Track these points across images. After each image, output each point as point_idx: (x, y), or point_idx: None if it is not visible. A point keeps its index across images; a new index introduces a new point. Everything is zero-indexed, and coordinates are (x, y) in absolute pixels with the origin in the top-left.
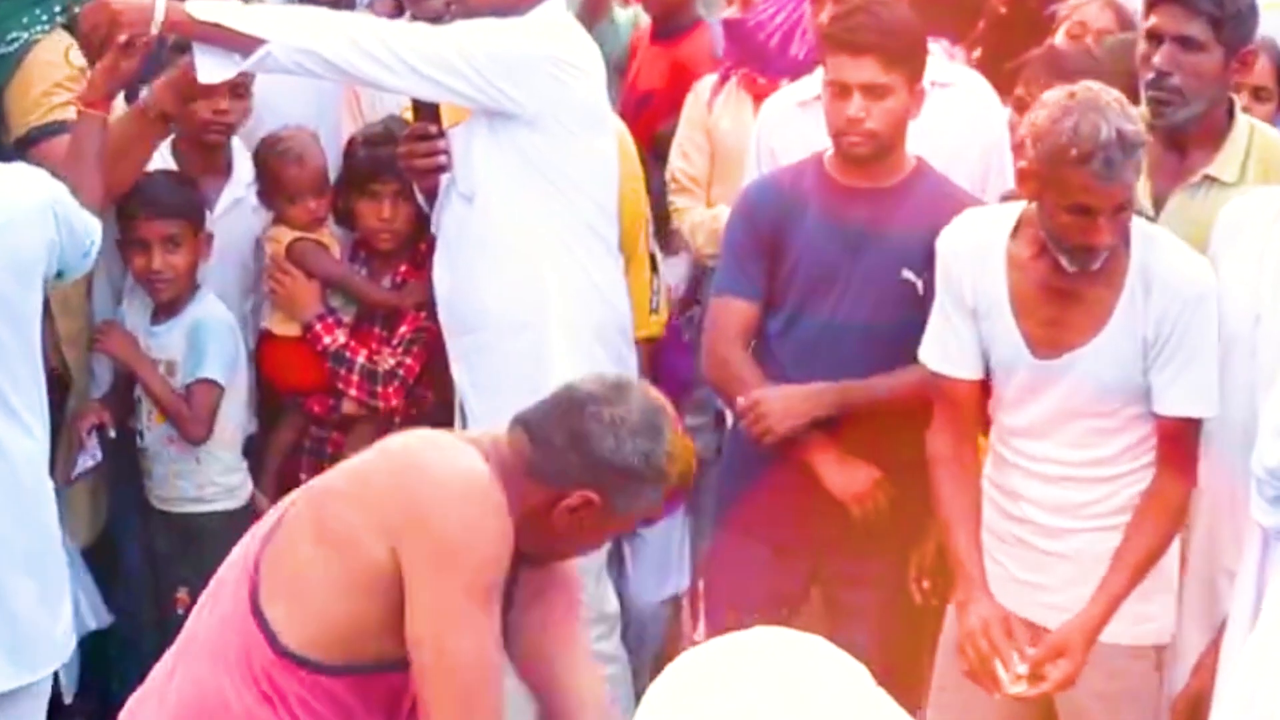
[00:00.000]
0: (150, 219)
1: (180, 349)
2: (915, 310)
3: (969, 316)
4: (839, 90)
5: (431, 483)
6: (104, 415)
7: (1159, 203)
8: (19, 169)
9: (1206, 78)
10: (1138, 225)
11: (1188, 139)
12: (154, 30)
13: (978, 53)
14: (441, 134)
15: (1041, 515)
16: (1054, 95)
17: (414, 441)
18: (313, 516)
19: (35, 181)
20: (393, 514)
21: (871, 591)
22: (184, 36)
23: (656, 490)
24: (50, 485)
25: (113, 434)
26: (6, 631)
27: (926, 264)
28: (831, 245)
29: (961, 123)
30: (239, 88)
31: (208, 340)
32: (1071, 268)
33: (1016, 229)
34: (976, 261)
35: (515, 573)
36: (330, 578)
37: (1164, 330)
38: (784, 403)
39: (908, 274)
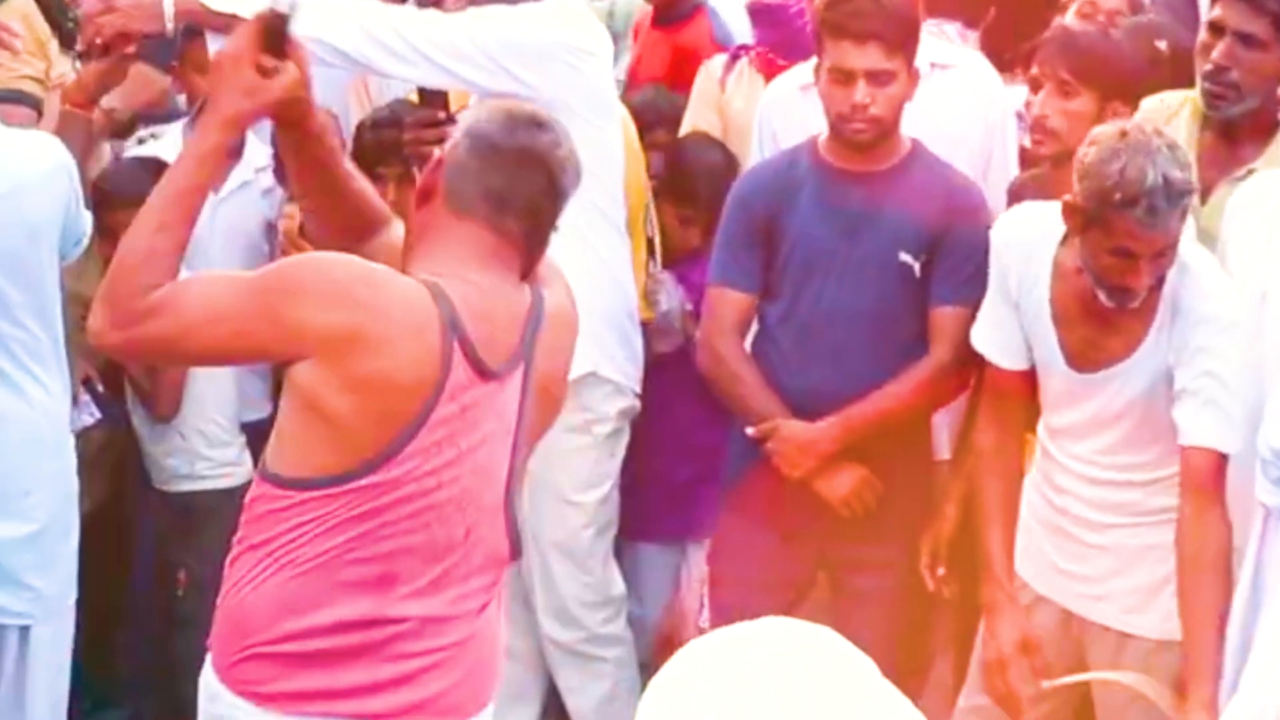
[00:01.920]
0: (114, 208)
1: None
2: (913, 293)
3: (1013, 309)
4: (842, 77)
5: None
6: (88, 369)
7: (1205, 192)
8: (35, 135)
9: (1264, 75)
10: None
11: (1239, 132)
12: (169, 25)
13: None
14: (451, 119)
15: (1083, 510)
16: (1106, 132)
17: (568, 352)
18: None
19: (51, 147)
20: None
21: (878, 576)
22: (198, 25)
23: None
24: (71, 440)
25: (100, 388)
26: (49, 561)
27: (923, 246)
28: (827, 230)
29: (963, 104)
30: None
31: None
32: (1109, 304)
33: (1066, 236)
34: (1023, 259)
35: None
36: None
37: (1184, 357)
38: (795, 446)
39: (905, 256)
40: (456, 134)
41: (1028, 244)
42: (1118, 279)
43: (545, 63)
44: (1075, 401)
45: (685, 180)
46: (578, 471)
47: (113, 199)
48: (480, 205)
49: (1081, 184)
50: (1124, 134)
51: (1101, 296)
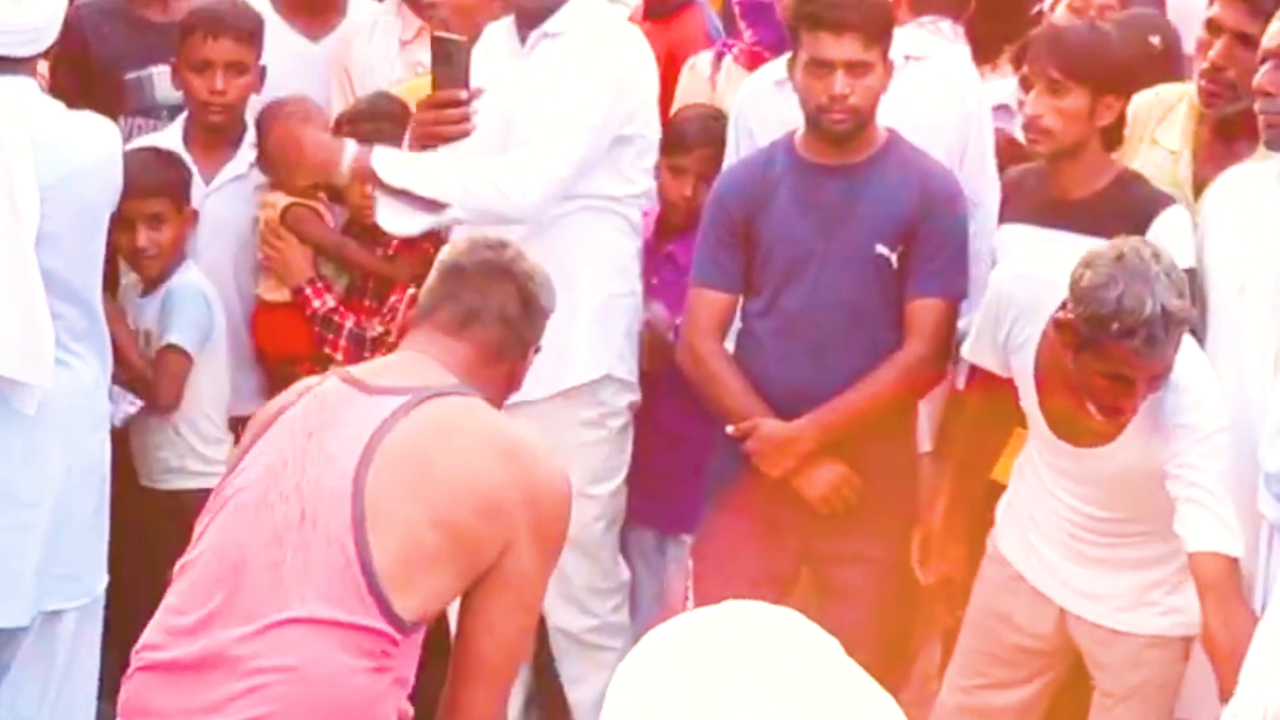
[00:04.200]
0: (133, 198)
1: (155, 319)
2: (891, 285)
3: (1001, 350)
4: (820, 69)
5: (547, 488)
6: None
7: (1199, 187)
8: (93, 118)
9: None
10: None
11: (1235, 129)
12: (340, 181)
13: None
14: (470, 98)
15: (1073, 529)
16: (1102, 254)
17: (495, 424)
18: (423, 500)
19: (107, 132)
20: (514, 519)
21: (861, 570)
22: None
23: None
24: (107, 423)
25: None
26: (83, 541)
27: (900, 238)
28: (804, 225)
29: (938, 95)
30: (237, 64)
31: (177, 308)
32: (1099, 417)
33: (1064, 306)
34: (1022, 318)
35: None
36: (447, 562)
37: (1171, 469)
38: (774, 445)
39: (881, 249)
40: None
41: (1028, 306)
42: (1110, 400)
43: (635, 114)
44: (1059, 457)
45: (673, 128)
46: (591, 465)
47: (128, 190)
48: (442, 312)
49: (1077, 307)
50: (1121, 257)
51: (1092, 410)
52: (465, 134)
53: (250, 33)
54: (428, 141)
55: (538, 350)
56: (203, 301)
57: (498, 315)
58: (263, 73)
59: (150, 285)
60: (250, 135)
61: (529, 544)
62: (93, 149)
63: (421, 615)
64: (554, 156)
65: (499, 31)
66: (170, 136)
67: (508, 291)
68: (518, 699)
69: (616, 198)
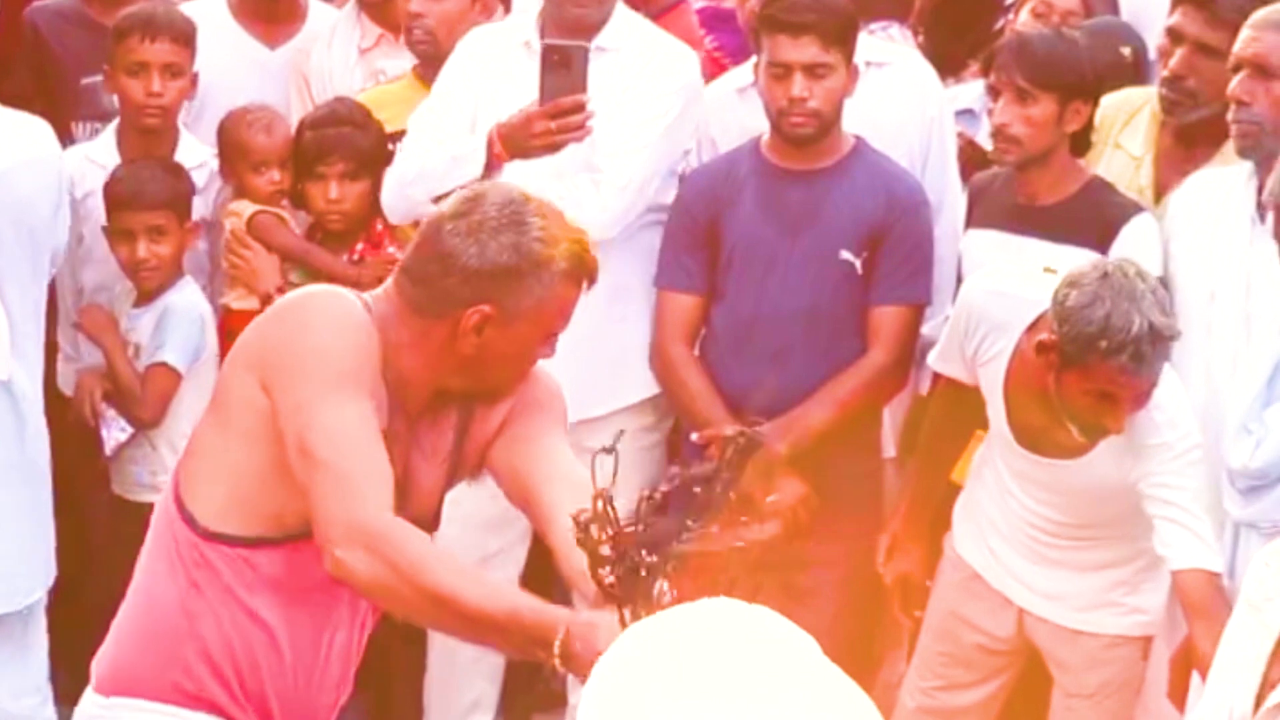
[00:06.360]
0: (136, 209)
1: (148, 333)
2: (854, 291)
3: (969, 362)
4: (780, 71)
5: (284, 314)
6: (105, 383)
7: (1160, 192)
8: (27, 118)
9: (1221, 84)
10: None
11: (1196, 136)
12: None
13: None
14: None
15: (1035, 533)
16: (1086, 274)
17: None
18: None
19: (43, 133)
20: (254, 350)
21: (824, 575)
22: None
23: (541, 278)
24: (40, 416)
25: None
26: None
27: (865, 244)
28: (767, 229)
29: (900, 101)
30: (173, 66)
31: (172, 326)
32: (1080, 438)
33: (1037, 323)
34: (992, 333)
35: (470, 411)
36: (224, 438)
37: (1145, 488)
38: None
39: (846, 254)
40: None
41: (1000, 324)
42: (1094, 418)
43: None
44: (1024, 464)
45: None
46: (647, 471)
47: (131, 201)
48: (398, 270)
49: (1062, 327)
50: (1106, 276)
51: (1074, 431)
52: (580, 140)
53: (186, 35)
54: (543, 152)
55: (482, 314)
56: (199, 322)
57: (420, 274)
58: (195, 78)
59: (146, 298)
60: (185, 140)
61: (279, 368)
62: (26, 148)
63: (212, 509)
64: (622, 179)
65: (504, 40)
66: (103, 145)
67: (429, 250)
68: (487, 717)
69: (664, 205)
